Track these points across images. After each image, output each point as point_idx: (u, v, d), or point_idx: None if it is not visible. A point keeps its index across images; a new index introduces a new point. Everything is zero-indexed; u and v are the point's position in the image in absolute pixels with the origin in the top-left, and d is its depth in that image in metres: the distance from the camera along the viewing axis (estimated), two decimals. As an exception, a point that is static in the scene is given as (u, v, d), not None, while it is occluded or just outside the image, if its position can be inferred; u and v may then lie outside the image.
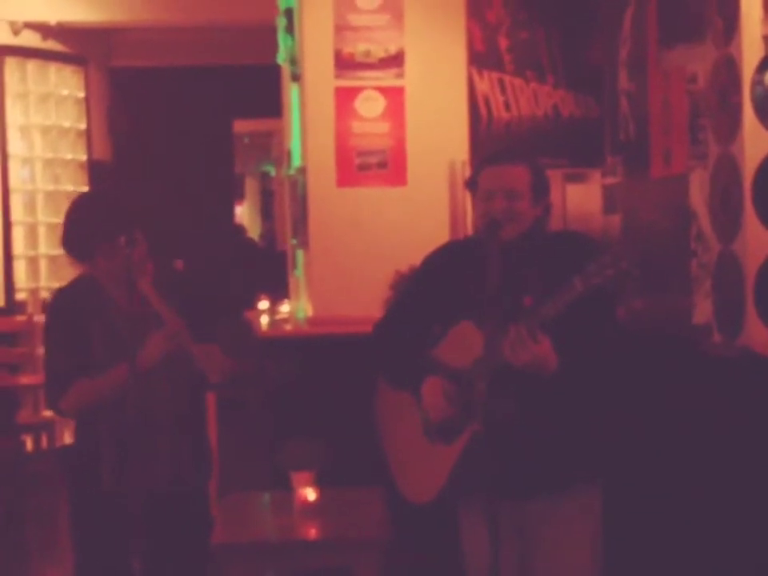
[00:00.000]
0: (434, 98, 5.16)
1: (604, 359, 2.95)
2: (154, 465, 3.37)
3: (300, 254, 5.84)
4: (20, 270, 7.81)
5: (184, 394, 3.42)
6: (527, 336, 2.75)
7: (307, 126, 5.19)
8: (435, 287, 3.13)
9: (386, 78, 5.13)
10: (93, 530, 3.43)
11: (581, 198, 5.15)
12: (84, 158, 8.21)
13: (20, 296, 7.81)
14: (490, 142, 5.11)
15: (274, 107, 6.85)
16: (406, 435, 3.13)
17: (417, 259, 3.33)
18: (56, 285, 7.76)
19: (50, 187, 7.96)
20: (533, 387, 2.87)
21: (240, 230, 14.32)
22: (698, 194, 4.01)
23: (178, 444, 3.41)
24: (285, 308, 6.15)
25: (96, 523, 3.41)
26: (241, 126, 11.48)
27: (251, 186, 16.93)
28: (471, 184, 3.08)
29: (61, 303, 3.51)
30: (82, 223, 3.35)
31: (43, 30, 7.86)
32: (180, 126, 9.50)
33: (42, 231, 7.89)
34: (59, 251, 7.89)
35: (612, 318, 3.05)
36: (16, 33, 7.73)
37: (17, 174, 7.80)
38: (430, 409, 3.00)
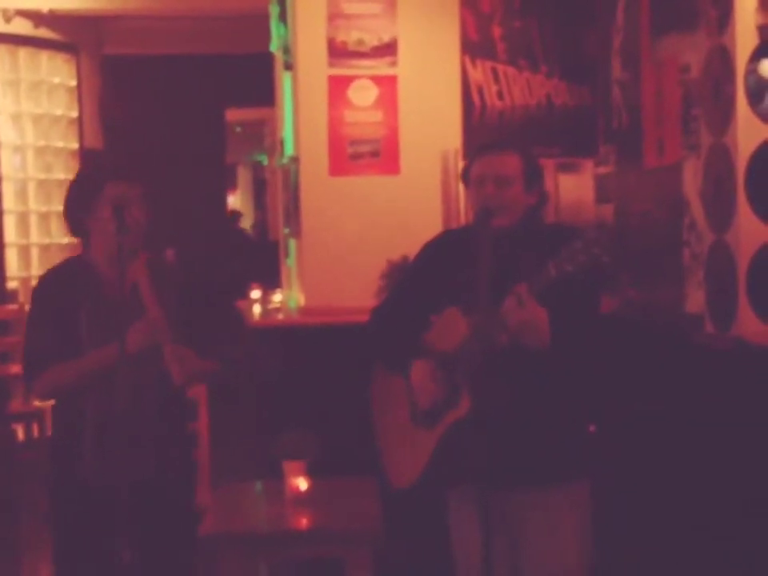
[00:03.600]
0: (427, 86, 5.15)
1: (586, 343, 2.95)
2: (136, 455, 3.30)
3: (292, 243, 5.83)
4: (11, 258, 7.78)
5: (169, 383, 3.36)
6: (528, 296, 2.76)
7: (300, 114, 5.17)
8: (429, 275, 3.15)
9: (379, 66, 5.11)
10: (73, 525, 3.33)
11: (573, 188, 5.14)
12: (76, 146, 8.19)
13: (11, 285, 7.79)
14: (483, 130, 5.10)
15: (266, 96, 6.83)
16: (396, 420, 3.14)
17: (409, 248, 3.33)
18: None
19: (42, 175, 7.93)
20: (519, 372, 2.88)
21: (235, 216, 14.28)
22: (690, 184, 4.00)
23: (162, 433, 3.36)
24: (277, 297, 6.13)
25: (76, 518, 3.31)
26: (233, 115, 11.44)
27: (243, 175, 16.91)
28: (464, 177, 3.10)
29: (48, 284, 3.41)
30: (71, 192, 3.34)
31: (35, 17, 7.83)
32: (172, 115, 9.46)
33: (33, 220, 7.84)
34: (51, 240, 7.98)
35: (593, 304, 3.04)
36: (8, 20, 7.70)
37: (8, 162, 7.77)
38: (418, 390, 3.01)
